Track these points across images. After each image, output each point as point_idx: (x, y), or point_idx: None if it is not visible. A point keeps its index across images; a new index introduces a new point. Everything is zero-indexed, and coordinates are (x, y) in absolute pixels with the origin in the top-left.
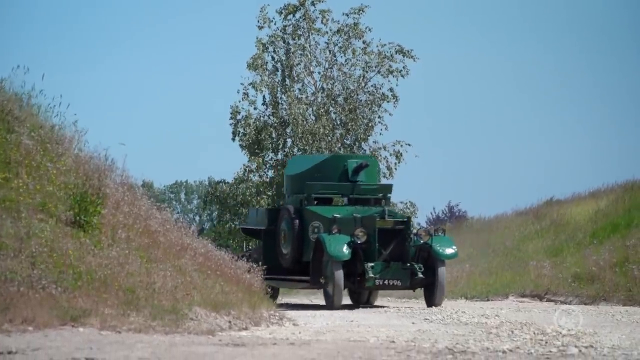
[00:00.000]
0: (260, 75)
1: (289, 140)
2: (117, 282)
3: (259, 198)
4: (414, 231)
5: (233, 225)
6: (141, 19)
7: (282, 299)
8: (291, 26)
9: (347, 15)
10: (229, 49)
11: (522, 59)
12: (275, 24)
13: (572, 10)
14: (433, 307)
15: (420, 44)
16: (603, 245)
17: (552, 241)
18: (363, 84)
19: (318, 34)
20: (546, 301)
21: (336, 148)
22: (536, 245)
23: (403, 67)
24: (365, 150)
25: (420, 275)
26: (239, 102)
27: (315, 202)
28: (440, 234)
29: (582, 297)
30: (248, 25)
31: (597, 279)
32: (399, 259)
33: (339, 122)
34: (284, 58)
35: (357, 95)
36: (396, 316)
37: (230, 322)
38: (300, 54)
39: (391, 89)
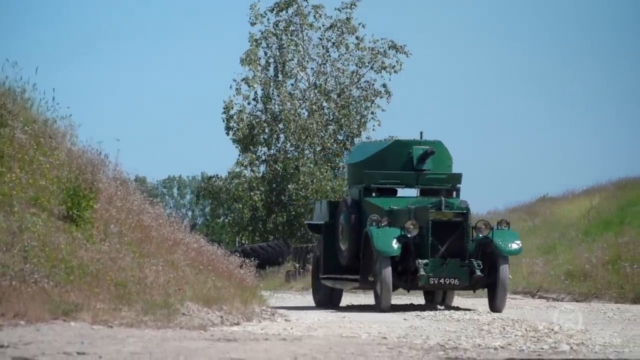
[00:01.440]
0: (253, 71)
1: (281, 135)
2: (109, 276)
3: (251, 193)
4: (473, 224)
5: (226, 220)
6: (135, 14)
7: (274, 297)
8: (283, 22)
9: (340, 10)
10: (222, 45)
11: (515, 56)
12: (268, 20)
13: (562, 8)
14: (496, 312)
15: (413, 39)
16: (596, 243)
17: (544, 238)
18: (356, 80)
19: (311, 30)
20: (538, 298)
21: (329, 144)
22: (529, 242)
23: (396, 63)
24: None
25: (479, 273)
26: (232, 97)
27: (378, 193)
28: (503, 227)
29: (574, 295)
30: (241, 20)
31: (589, 276)
32: (457, 255)
33: (331, 118)
34: (277, 54)
35: (350, 91)
36: (389, 312)
37: (222, 317)
38: (293, 50)
39: (384, 85)
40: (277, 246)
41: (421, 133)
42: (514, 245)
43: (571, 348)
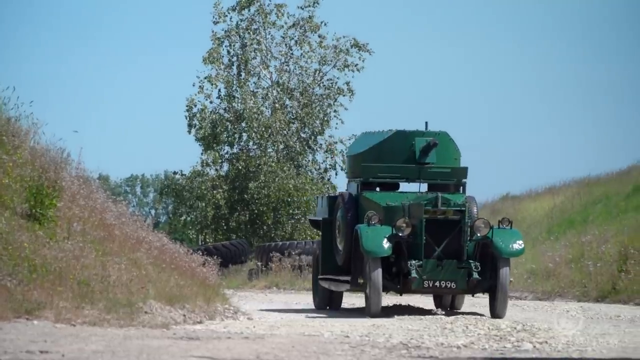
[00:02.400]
0: (216, 69)
1: (244, 134)
2: (72, 275)
3: (214, 192)
4: (470, 223)
5: (188, 219)
6: (97, 11)
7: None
8: (246, 20)
9: (302, 8)
10: (185, 42)
11: (477, 53)
12: (230, 18)
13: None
14: (497, 318)
15: (376, 37)
16: (559, 241)
17: None
18: (319, 78)
19: (273, 28)
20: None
21: (292, 142)
22: None
23: (359, 61)
24: (321, 144)
25: (476, 276)
26: (195, 95)
27: (379, 188)
28: (504, 225)
29: (537, 293)
30: (205, 19)
31: (552, 275)
32: (454, 256)
33: (294, 116)
34: (239, 52)
35: (313, 89)
36: (351, 311)
37: (184, 315)
38: (256, 48)
39: (347, 83)
40: (239, 245)
41: (426, 123)
42: (516, 246)
43: (534, 347)
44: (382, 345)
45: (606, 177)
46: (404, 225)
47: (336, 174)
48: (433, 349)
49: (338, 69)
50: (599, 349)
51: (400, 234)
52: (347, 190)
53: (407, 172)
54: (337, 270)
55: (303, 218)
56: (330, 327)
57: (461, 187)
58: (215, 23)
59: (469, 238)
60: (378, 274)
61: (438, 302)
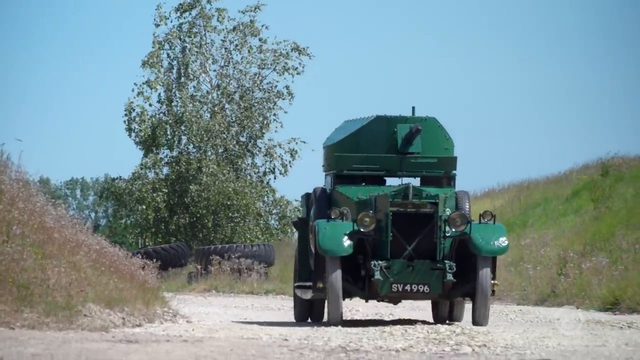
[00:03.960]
0: (156, 73)
1: (184, 137)
2: (11, 278)
3: (154, 195)
4: (447, 217)
5: (128, 222)
6: (37, 14)
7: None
8: (187, 24)
9: (243, 13)
10: (125, 46)
11: (417, 57)
12: (171, 21)
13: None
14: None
15: (316, 41)
16: None
17: None
18: (259, 82)
19: (214, 32)
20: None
21: (231, 145)
22: None
23: (299, 65)
24: (260, 148)
25: (450, 278)
26: (134, 99)
27: (360, 182)
28: (486, 220)
29: None
30: (144, 22)
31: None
32: (427, 255)
33: (234, 120)
34: (180, 56)
35: (253, 92)
36: (290, 314)
37: (124, 318)
38: (196, 52)
39: (287, 87)
40: (179, 248)
41: (413, 108)
42: (498, 243)
43: (473, 350)
44: (321, 348)
45: (545, 181)
46: (367, 219)
47: (275, 178)
48: (372, 352)
49: (278, 73)
50: (537, 352)
51: (362, 230)
52: (324, 186)
53: (387, 164)
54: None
55: (242, 221)
56: (269, 330)
57: (450, 180)
58: (157, 26)
59: (444, 235)
60: (337, 277)
61: (436, 314)
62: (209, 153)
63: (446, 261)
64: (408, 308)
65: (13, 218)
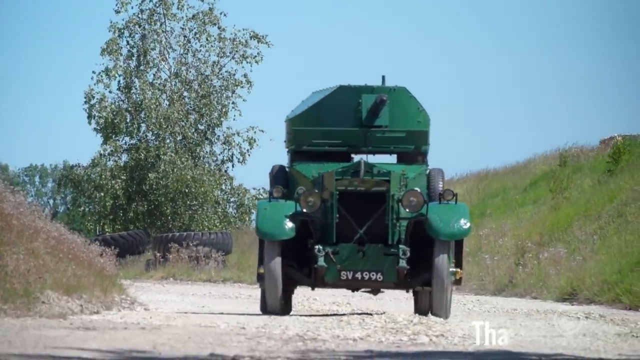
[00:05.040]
0: (115, 61)
1: (143, 125)
2: None
3: (113, 182)
4: (401, 197)
5: (87, 209)
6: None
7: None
8: (147, 11)
9: (202, 1)
10: (85, 32)
11: (376, 45)
12: (132, 8)
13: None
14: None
15: (275, 29)
16: None
17: None
18: (217, 70)
19: (174, 20)
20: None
21: (190, 133)
22: None
23: (257, 54)
24: (219, 136)
25: (403, 264)
26: (94, 85)
27: (322, 160)
28: (447, 200)
29: None
30: (106, 8)
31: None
32: (380, 239)
33: (192, 108)
34: (139, 43)
35: (212, 81)
36: (247, 302)
37: (81, 305)
38: (155, 40)
39: (245, 75)
40: (137, 235)
41: (383, 77)
42: (458, 225)
43: (430, 340)
44: (278, 337)
45: (504, 170)
46: (311, 199)
47: (233, 166)
48: (329, 341)
49: (236, 62)
50: (495, 341)
51: (305, 210)
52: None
53: (350, 138)
54: None
55: (201, 209)
56: (227, 318)
57: (421, 157)
58: (117, 12)
59: (397, 216)
60: (276, 263)
61: (416, 307)
62: (168, 141)
63: (400, 246)
64: (366, 297)
65: None
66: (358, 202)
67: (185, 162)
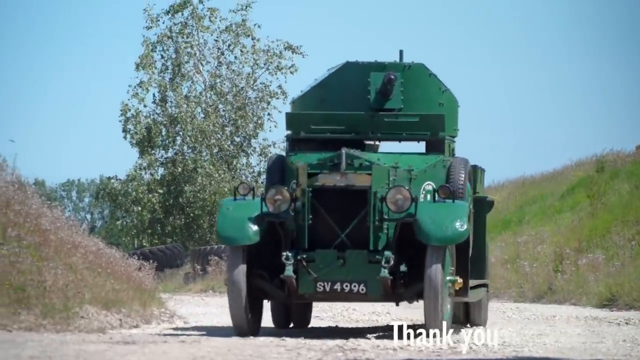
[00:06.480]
0: (149, 74)
1: (178, 138)
2: (7, 280)
3: (150, 196)
4: (385, 194)
5: (124, 223)
6: (32, 15)
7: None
8: (179, 24)
9: (235, 12)
10: (120, 47)
11: (423, 55)
12: (163, 22)
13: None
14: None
15: (309, 40)
16: (494, 242)
17: None
18: (252, 82)
19: (207, 32)
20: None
21: (226, 145)
22: None
23: (292, 64)
24: (255, 147)
25: (384, 274)
26: (129, 100)
27: (346, 150)
28: (441, 197)
29: None
30: (139, 22)
31: (488, 275)
32: (365, 245)
33: (228, 120)
34: (173, 56)
35: (246, 92)
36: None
37: (121, 320)
38: (189, 53)
39: (280, 86)
40: (175, 249)
41: (401, 52)
42: (452, 228)
43: (470, 347)
44: (318, 347)
45: (541, 177)
46: (279, 197)
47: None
48: (369, 351)
49: (270, 73)
50: (535, 349)
51: (271, 210)
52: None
53: (355, 123)
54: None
55: None
56: (266, 330)
57: (440, 145)
58: (148, 28)
59: (381, 217)
60: (240, 272)
61: (458, 317)
62: (204, 153)
63: (386, 252)
64: (405, 306)
65: (9, 220)
66: (337, 200)
67: (222, 175)
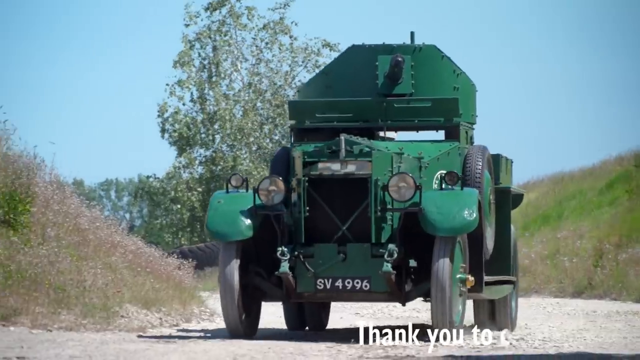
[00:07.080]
0: (187, 72)
1: (217, 136)
2: (47, 280)
3: (189, 194)
4: (387, 182)
5: (164, 222)
6: (68, 16)
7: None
8: (217, 22)
9: (273, 10)
10: (156, 45)
11: (460, 56)
12: (202, 20)
13: None
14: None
15: (347, 37)
16: (534, 238)
17: None
18: (290, 80)
19: (244, 30)
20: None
21: (265, 143)
22: None
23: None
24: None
25: (387, 268)
26: (167, 98)
27: (360, 138)
28: (450, 185)
29: None
30: (174, 21)
31: (528, 271)
32: (364, 238)
33: (266, 118)
34: (211, 54)
35: (285, 90)
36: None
37: (161, 319)
38: (227, 50)
39: None
40: (214, 247)
41: (412, 34)
42: (461, 217)
43: (511, 343)
44: (359, 345)
45: (579, 172)
46: (273, 188)
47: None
48: (410, 347)
49: (308, 71)
50: (575, 344)
51: (263, 202)
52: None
53: (362, 110)
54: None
55: None
56: (307, 327)
57: (460, 131)
58: (187, 26)
59: (383, 207)
60: (232, 269)
61: (477, 316)
62: (243, 151)
63: (390, 245)
64: None
65: (48, 220)
66: (337, 190)
67: (261, 173)
